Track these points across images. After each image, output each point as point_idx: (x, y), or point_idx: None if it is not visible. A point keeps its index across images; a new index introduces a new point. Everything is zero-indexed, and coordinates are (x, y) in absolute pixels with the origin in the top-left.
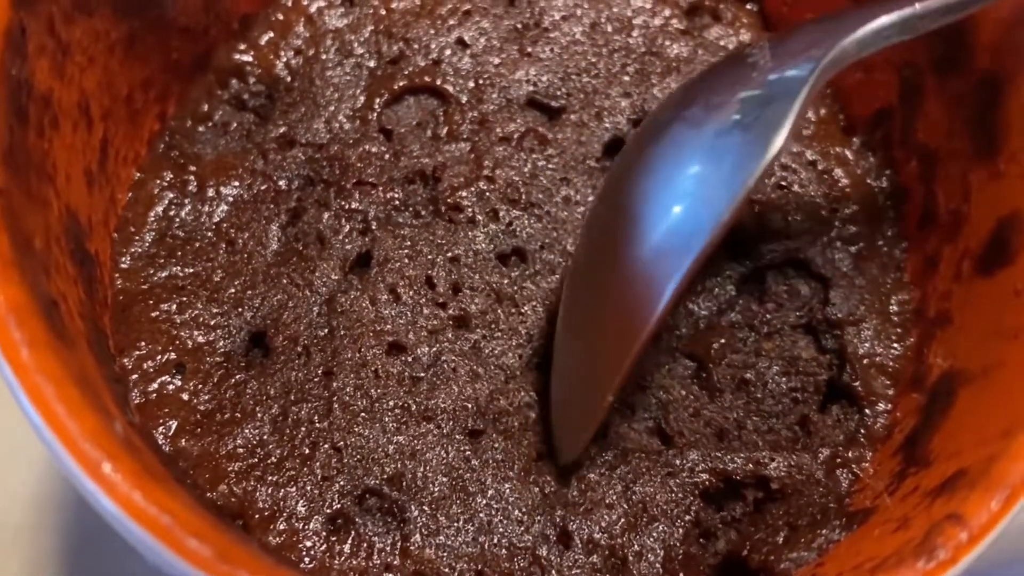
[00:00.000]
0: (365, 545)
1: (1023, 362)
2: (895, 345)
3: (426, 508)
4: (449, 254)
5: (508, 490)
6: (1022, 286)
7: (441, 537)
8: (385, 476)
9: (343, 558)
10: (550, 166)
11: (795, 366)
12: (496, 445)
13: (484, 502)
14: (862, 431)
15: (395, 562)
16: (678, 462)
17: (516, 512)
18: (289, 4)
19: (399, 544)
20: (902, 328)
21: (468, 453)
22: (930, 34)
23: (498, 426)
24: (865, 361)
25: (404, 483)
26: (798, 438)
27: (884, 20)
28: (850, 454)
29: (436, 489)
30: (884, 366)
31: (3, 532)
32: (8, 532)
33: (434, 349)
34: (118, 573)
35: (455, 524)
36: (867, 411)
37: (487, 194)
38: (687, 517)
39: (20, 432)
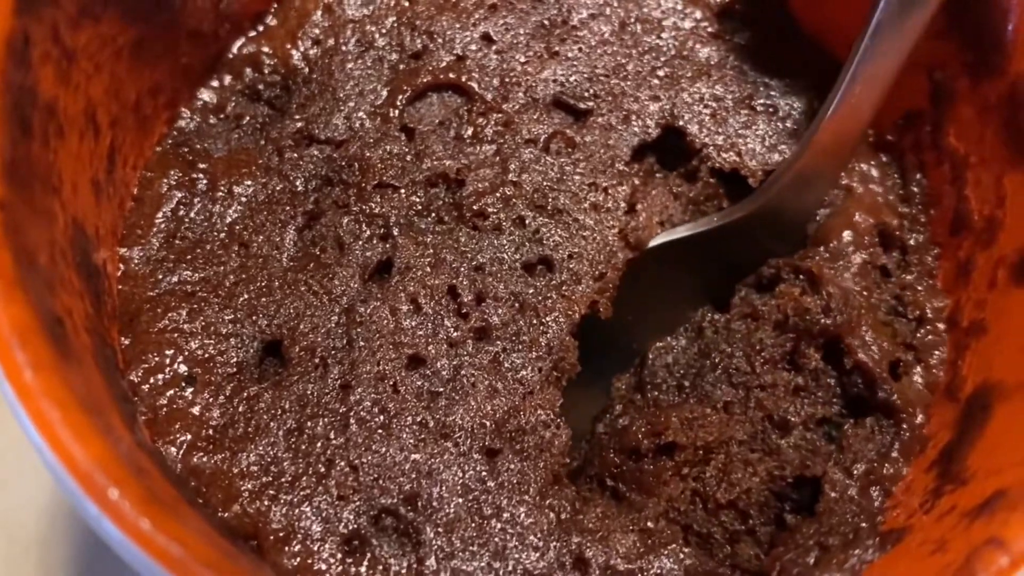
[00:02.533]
0: (381, 567)
1: None
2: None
3: (441, 530)
4: (473, 263)
5: (523, 514)
6: None
7: (456, 561)
8: (402, 496)
9: None
10: (578, 170)
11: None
12: (512, 466)
13: (499, 526)
14: (896, 445)
15: None
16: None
17: (531, 537)
18: None
19: (415, 567)
20: (937, 336)
21: (484, 474)
22: (964, 37)
23: (515, 446)
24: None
25: (420, 503)
26: (831, 454)
27: None
28: (884, 470)
29: (452, 511)
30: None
31: (16, 544)
32: (20, 544)
33: (454, 363)
34: None
35: (470, 548)
36: (904, 424)
37: (513, 200)
38: (708, 536)
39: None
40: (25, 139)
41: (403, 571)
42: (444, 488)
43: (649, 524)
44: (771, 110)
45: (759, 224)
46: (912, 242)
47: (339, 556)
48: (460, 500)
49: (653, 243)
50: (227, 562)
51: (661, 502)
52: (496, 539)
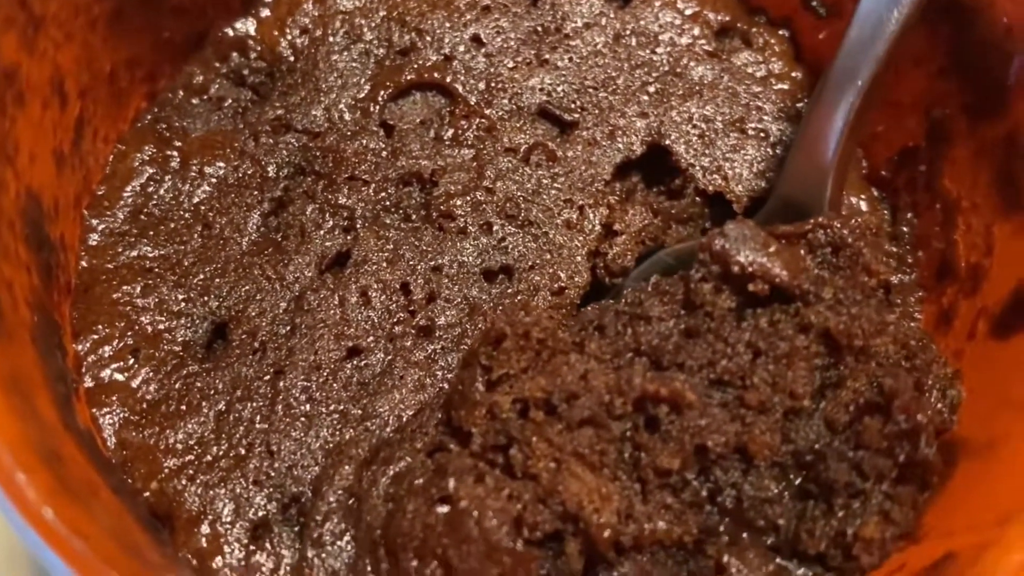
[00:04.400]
0: (275, 556)
1: None
2: None
3: (319, 519)
4: (432, 263)
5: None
6: None
7: (328, 557)
8: (309, 483)
9: (258, 571)
10: (555, 185)
11: None
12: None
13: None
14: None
15: None
16: None
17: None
18: None
19: (297, 556)
20: None
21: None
22: (965, 78)
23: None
24: None
25: (321, 491)
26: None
27: None
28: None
29: (334, 501)
30: None
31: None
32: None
33: (389, 357)
34: None
35: (338, 542)
36: None
37: (483, 206)
38: None
39: None
40: None
41: (291, 562)
42: (340, 477)
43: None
44: (762, 135)
45: None
46: (896, 281)
47: (244, 541)
48: (342, 494)
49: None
50: (129, 560)
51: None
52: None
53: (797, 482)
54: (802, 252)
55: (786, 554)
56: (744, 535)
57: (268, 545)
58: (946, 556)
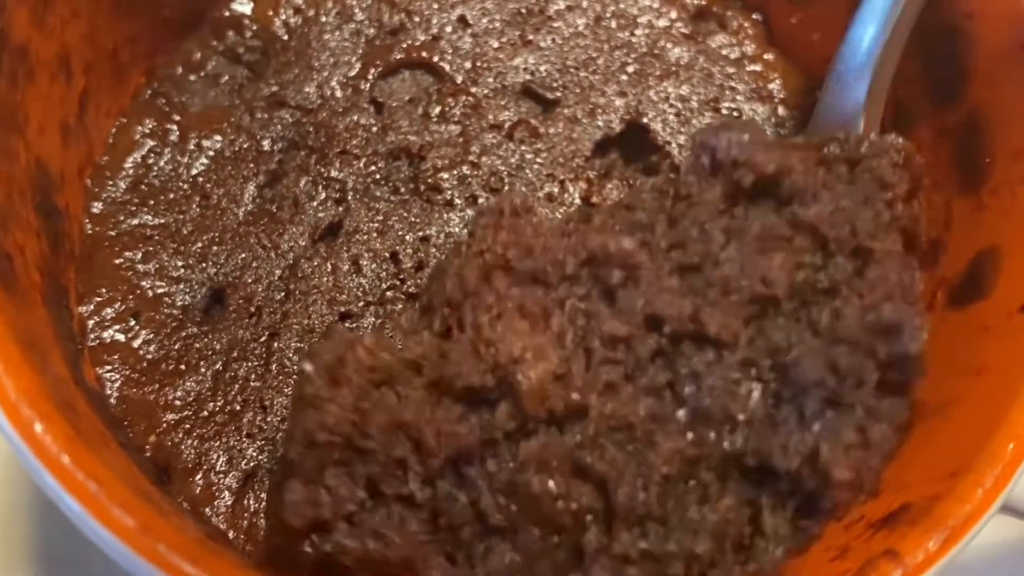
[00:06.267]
0: (259, 503)
1: (981, 401)
2: None
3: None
4: (420, 233)
5: None
6: (992, 322)
7: None
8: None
9: (247, 514)
10: (538, 160)
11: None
12: None
13: None
14: None
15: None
16: None
17: None
18: None
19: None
20: None
21: None
22: (927, 62)
23: None
24: None
25: None
26: None
27: None
28: None
29: None
30: None
31: None
32: None
33: (379, 321)
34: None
35: None
36: None
37: (469, 179)
38: None
39: None
40: None
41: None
42: None
43: None
44: (735, 114)
45: None
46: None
47: (235, 488)
48: None
49: None
50: (141, 504)
51: None
52: None
53: (770, 383)
54: (812, 163)
55: (751, 476)
56: (703, 432)
57: (257, 490)
58: (902, 507)
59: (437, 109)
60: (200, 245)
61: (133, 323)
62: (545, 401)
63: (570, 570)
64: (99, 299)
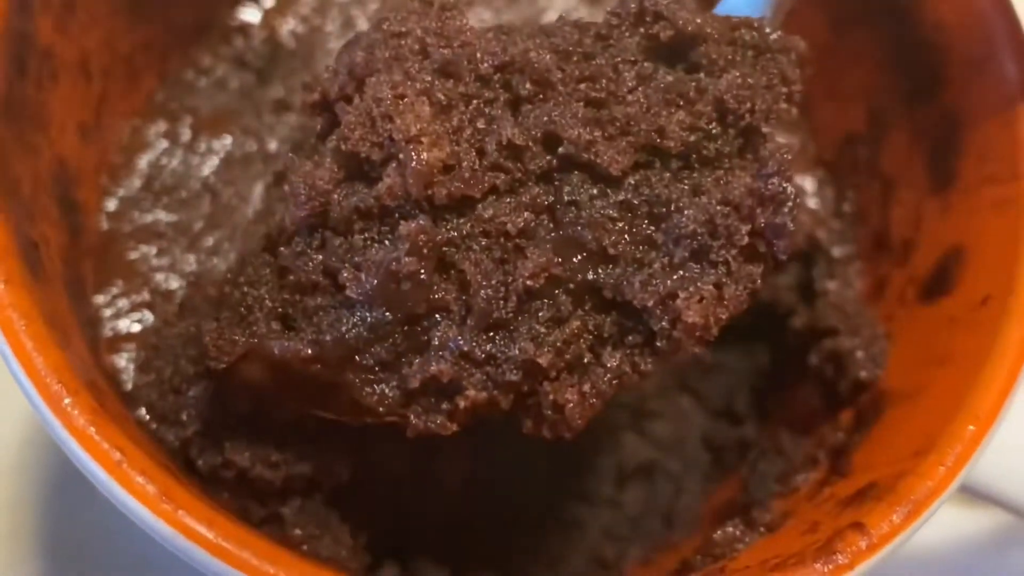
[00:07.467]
0: None
1: (946, 387)
2: None
3: None
4: None
5: None
6: (957, 314)
7: None
8: None
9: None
10: None
11: None
12: None
13: None
14: None
15: None
16: None
17: None
18: None
19: None
20: None
21: None
22: (901, 71)
23: None
24: None
25: None
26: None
27: None
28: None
29: None
30: None
31: None
32: None
33: None
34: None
35: None
36: None
37: None
38: None
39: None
40: (21, 80)
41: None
42: None
43: None
44: None
45: None
46: (836, 254)
47: None
48: None
49: None
50: (163, 475)
51: None
52: None
53: (645, 226)
54: (726, 40)
55: (603, 308)
56: (571, 257)
57: None
58: (869, 484)
59: None
60: (211, 243)
61: (147, 313)
62: (430, 186)
63: (412, 354)
64: (115, 290)
